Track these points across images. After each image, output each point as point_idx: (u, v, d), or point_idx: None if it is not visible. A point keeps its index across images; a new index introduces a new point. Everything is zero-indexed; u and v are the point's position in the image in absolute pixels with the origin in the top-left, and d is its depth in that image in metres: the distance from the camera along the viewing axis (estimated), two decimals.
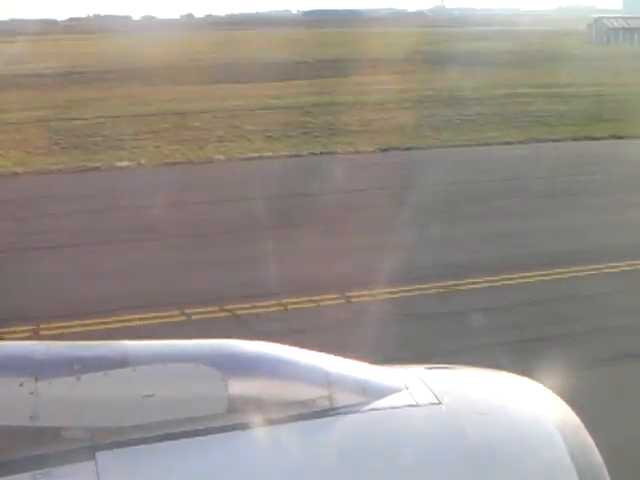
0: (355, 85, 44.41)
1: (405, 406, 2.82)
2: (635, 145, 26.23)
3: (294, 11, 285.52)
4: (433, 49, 74.79)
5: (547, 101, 37.92)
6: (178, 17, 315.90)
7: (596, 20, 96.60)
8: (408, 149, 26.76)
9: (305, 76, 51.25)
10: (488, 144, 27.58)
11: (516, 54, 64.62)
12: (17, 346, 2.73)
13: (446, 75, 47.04)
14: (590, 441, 3.02)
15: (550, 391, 3.25)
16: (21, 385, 2.44)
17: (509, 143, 27.73)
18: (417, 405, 2.84)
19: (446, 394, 2.91)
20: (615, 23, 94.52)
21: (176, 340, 2.84)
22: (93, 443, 2.46)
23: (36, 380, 2.45)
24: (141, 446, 2.48)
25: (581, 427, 3.05)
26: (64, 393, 2.47)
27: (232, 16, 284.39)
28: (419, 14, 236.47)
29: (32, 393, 2.43)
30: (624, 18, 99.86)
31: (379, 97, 37.86)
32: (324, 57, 67.41)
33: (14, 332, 11.33)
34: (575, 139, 28.39)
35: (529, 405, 3.07)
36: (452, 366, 3.45)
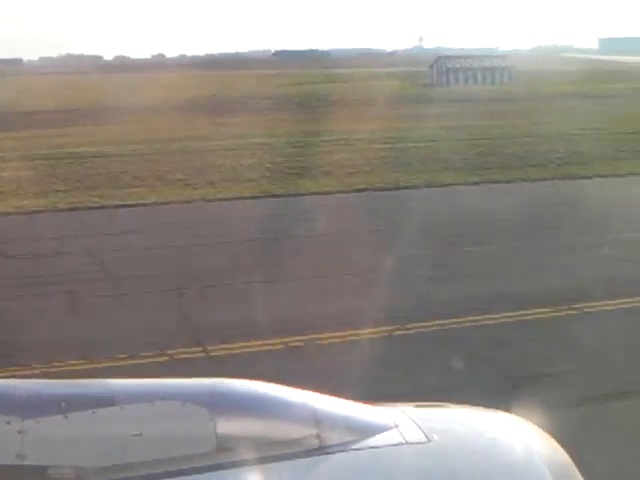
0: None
1: (394, 445, 2.80)
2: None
3: (273, 51, 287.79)
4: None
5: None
6: (149, 57, 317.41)
7: (436, 60, 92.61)
8: None
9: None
10: None
11: (295, 100, 59.80)
12: (4, 384, 2.69)
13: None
14: (579, 478, 3.01)
15: (539, 429, 3.25)
16: (8, 423, 2.40)
17: None
18: (406, 443, 2.81)
19: (435, 432, 2.89)
20: (456, 63, 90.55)
21: (164, 379, 2.80)
22: None
23: (23, 418, 2.41)
24: None
25: (571, 464, 3.05)
26: (51, 431, 2.43)
27: (197, 57, 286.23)
28: (387, 54, 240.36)
29: (19, 431, 2.39)
30: (466, 58, 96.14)
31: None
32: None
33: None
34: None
35: (519, 443, 3.05)
36: (441, 404, 3.44)
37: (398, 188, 22.11)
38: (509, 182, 22.88)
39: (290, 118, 43.63)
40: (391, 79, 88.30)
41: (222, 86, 78.05)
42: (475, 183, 22.72)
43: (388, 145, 31.05)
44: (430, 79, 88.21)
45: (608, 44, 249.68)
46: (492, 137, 32.73)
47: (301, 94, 65.57)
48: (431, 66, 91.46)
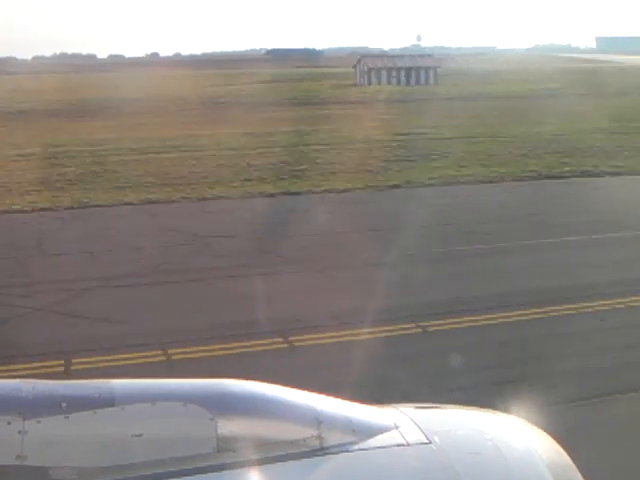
0: None
1: (395, 446, 2.80)
2: None
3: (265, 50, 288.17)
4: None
5: None
6: (143, 55, 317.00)
7: (359, 60, 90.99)
8: None
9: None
10: None
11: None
12: (4, 384, 2.68)
13: None
14: (581, 479, 3.01)
15: (540, 429, 3.24)
16: (8, 424, 2.39)
17: None
18: (407, 445, 2.81)
19: (436, 434, 2.88)
20: (378, 63, 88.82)
21: (165, 379, 2.80)
22: None
23: (24, 419, 2.40)
24: None
25: (571, 465, 3.04)
26: (52, 432, 2.42)
27: (191, 56, 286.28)
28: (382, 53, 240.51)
29: (20, 432, 2.38)
30: (389, 57, 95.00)
31: None
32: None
33: None
34: None
35: (519, 444, 3.05)
36: (442, 405, 3.44)
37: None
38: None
39: (133, 122, 41.84)
40: (328, 79, 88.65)
41: (145, 86, 76.74)
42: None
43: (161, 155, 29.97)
44: (354, 79, 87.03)
45: (606, 43, 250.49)
46: (289, 145, 32.10)
47: (203, 95, 64.75)
48: (354, 66, 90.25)
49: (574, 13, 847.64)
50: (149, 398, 2.57)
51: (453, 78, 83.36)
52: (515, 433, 3.16)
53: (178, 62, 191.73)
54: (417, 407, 3.26)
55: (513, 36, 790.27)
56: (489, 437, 3.00)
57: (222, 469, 2.51)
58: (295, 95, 63.49)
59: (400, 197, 22.01)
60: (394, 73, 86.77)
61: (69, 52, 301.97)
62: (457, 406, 3.48)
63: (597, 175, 24.94)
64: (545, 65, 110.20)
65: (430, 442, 2.83)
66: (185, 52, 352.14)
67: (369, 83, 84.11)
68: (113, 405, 2.50)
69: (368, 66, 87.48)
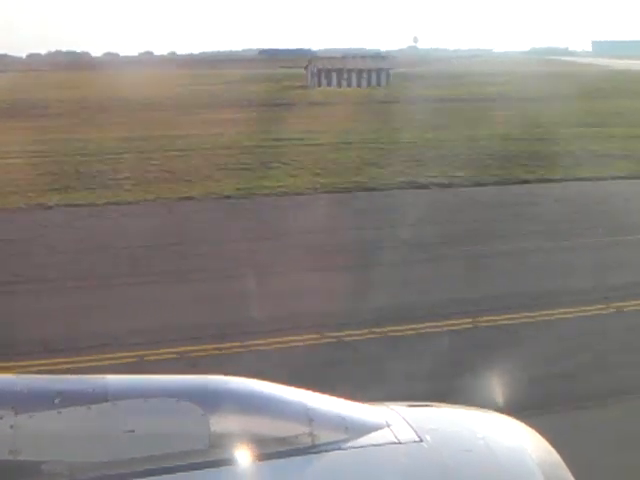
0: None
1: (387, 443, 2.81)
2: None
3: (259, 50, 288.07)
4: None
5: None
6: (137, 54, 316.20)
7: (309, 62, 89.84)
8: None
9: None
10: None
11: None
12: None
13: None
14: (570, 478, 3.02)
15: (530, 428, 3.26)
16: (1, 418, 2.39)
17: None
18: (399, 443, 2.82)
19: (427, 432, 2.89)
20: (327, 65, 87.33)
21: (158, 375, 2.80)
22: (73, 478, 2.41)
23: (16, 414, 2.40)
24: None
25: (561, 464, 3.06)
26: (45, 427, 2.42)
27: (185, 55, 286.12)
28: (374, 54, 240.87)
29: (12, 427, 2.39)
30: (340, 59, 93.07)
31: None
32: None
33: None
34: None
35: (510, 442, 3.06)
36: (433, 404, 3.45)
37: None
38: None
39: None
40: (290, 81, 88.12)
41: (89, 87, 77.14)
42: None
43: None
44: (308, 80, 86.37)
45: (602, 47, 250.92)
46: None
47: (142, 96, 63.23)
48: (305, 67, 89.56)
49: (571, 17, 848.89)
50: (142, 394, 2.57)
51: (407, 80, 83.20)
52: (506, 432, 3.17)
53: (170, 61, 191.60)
54: (409, 405, 3.27)
55: (510, 39, 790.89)
56: (480, 435, 3.01)
57: (214, 465, 2.52)
58: (233, 97, 62.54)
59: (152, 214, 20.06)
60: (345, 75, 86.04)
61: (64, 50, 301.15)
62: (448, 405, 3.49)
63: (424, 187, 23.38)
64: (529, 68, 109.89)
65: (422, 440, 2.84)
66: (182, 51, 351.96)
67: (319, 85, 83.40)
68: (106, 401, 2.50)
69: (317, 68, 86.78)
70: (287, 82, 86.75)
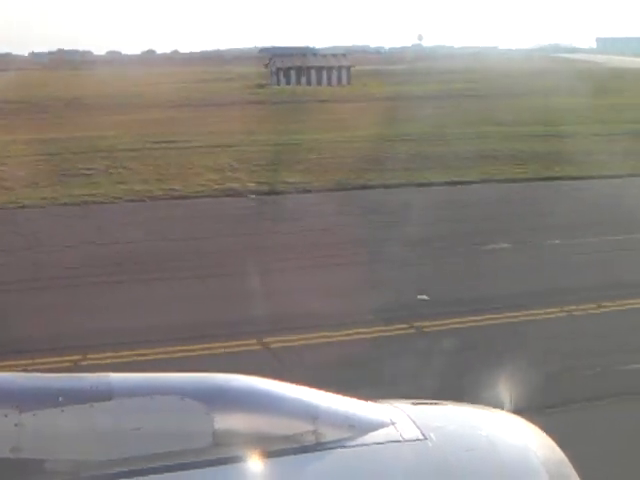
0: None
1: (391, 442, 2.81)
2: None
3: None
4: None
5: None
6: (139, 53, 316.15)
7: (270, 59, 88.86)
8: None
9: None
10: None
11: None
12: (1, 377, 2.68)
13: None
14: (575, 476, 3.02)
15: (535, 426, 3.26)
16: (5, 416, 2.39)
17: None
18: (403, 441, 2.82)
19: (432, 430, 2.89)
20: (287, 63, 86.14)
21: (162, 373, 2.80)
22: (77, 476, 2.41)
23: (20, 412, 2.40)
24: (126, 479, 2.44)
25: (565, 462, 3.06)
26: (48, 425, 2.42)
27: (187, 54, 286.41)
28: (380, 52, 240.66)
29: (16, 425, 2.39)
30: (301, 57, 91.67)
31: None
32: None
33: None
34: None
35: (514, 441, 3.06)
36: (438, 402, 3.45)
37: None
38: None
39: None
40: (249, 80, 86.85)
41: (62, 85, 76.64)
42: None
43: None
44: (269, 79, 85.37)
45: (607, 44, 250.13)
46: None
47: (102, 95, 63.23)
48: (266, 65, 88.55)
49: (576, 14, 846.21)
50: (146, 392, 2.57)
51: (369, 78, 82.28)
52: (510, 430, 3.17)
53: (172, 60, 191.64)
54: (413, 403, 3.27)
55: (515, 36, 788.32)
56: (484, 433, 3.02)
57: (218, 463, 2.52)
58: (174, 97, 61.59)
59: None
60: (304, 73, 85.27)
61: (66, 48, 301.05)
62: (453, 402, 3.49)
63: (240, 194, 22.10)
64: (521, 65, 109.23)
65: (426, 438, 2.84)
66: (184, 49, 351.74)
67: (278, 83, 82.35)
68: (110, 399, 2.50)
69: (277, 66, 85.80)
70: (249, 81, 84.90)
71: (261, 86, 79.82)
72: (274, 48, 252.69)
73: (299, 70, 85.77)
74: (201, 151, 30.45)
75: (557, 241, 16.64)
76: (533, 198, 21.93)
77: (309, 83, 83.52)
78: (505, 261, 15.47)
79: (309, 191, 22.92)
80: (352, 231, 17.47)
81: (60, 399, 2.46)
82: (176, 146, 31.77)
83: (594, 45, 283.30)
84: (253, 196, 22.11)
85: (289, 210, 20.75)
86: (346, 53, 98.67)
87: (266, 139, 33.09)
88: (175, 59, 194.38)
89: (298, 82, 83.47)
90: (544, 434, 3.21)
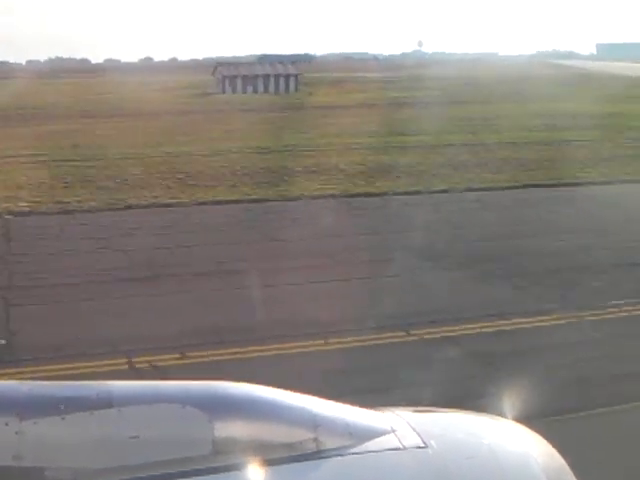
0: None
1: (392, 449, 2.80)
2: None
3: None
4: None
5: None
6: (136, 61, 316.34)
7: (215, 68, 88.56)
8: None
9: None
10: None
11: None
12: (1, 385, 2.68)
13: None
14: None
15: (536, 434, 3.25)
16: (6, 424, 2.39)
17: None
18: (404, 448, 2.81)
19: (433, 437, 2.89)
20: (233, 71, 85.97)
21: (162, 381, 2.80)
22: None
23: (21, 420, 2.40)
24: None
25: (566, 469, 3.05)
26: (49, 433, 2.42)
27: (194, 61, 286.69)
28: (377, 59, 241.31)
29: (17, 432, 2.38)
30: (247, 65, 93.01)
31: None
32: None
33: None
34: None
35: (515, 448, 3.06)
36: (439, 409, 3.44)
37: None
38: None
39: None
40: (200, 88, 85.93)
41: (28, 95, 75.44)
42: None
43: None
44: (215, 87, 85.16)
45: (607, 50, 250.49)
46: None
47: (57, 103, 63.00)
48: (213, 73, 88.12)
49: (576, 20, 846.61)
50: (146, 400, 2.57)
51: (324, 87, 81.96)
52: (511, 437, 3.17)
53: (169, 67, 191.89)
54: (414, 411, 3.27)
55: (516, 42, 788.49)
56: (485, 441, 3.01)
57: (219, 471, 2.51)
58: (113, 106, 61.07)
59: None
60: (250, 81, 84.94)
61: (64, 56, 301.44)
62: (454, 410, 3.49)
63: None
64: (508, 71, 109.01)
65: (427, 446, 2.84)
66: (183, 57, 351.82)
67: (223, 92, 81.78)
68: (110, 407, 2.50)
69: (223, 74, 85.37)
70: (197, 90, 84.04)
71: (206, 94, 79.04)
72: (274, 56, 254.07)
73: (245, 78, 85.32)
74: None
75: None
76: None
77: (255, 91, 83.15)
78: None
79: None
80: None
81: (61, 407, 2.46)
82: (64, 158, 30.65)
83: (594, 51, 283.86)
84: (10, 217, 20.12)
85: None
86: (311, 60, 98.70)
87: (107, 153, 31.62)
88: (172, 67, 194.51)
89: (244, 90, 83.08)
90: (545, 441, 3.21)
